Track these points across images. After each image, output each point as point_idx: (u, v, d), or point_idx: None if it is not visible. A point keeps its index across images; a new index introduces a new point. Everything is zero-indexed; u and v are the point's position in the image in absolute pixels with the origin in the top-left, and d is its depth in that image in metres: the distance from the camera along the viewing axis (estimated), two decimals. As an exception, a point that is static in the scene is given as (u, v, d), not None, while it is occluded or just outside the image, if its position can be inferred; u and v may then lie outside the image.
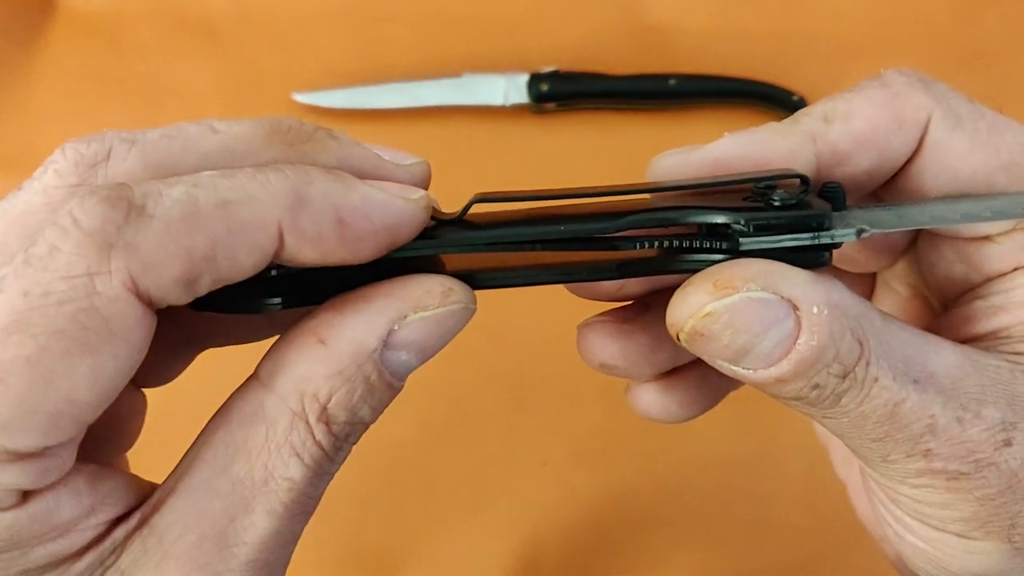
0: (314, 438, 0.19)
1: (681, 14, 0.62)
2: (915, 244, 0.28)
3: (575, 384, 0.53)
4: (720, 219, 0.22)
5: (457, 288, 0.21)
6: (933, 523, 0.24)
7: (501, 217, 0.23)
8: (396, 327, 0.20)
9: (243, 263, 0.19)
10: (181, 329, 0.26)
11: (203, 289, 0.18)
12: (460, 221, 0.22)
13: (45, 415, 0.17)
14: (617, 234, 0.22)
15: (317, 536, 0.49)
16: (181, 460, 0.20)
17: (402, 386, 0.21)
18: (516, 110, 0.59)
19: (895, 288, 0.30)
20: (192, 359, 0.28)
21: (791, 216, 0.21)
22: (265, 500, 0.19)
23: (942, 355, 0.22)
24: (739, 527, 0.50)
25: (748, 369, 0.21)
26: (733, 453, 0.51)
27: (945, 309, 0.28)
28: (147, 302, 0.18)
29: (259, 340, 0.25)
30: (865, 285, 0.31)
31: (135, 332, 0.18)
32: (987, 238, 0.25)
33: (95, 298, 0.17)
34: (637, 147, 0.50)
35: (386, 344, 0.20)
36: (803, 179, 0.22)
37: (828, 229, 0.22)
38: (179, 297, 0.18)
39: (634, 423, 0.53)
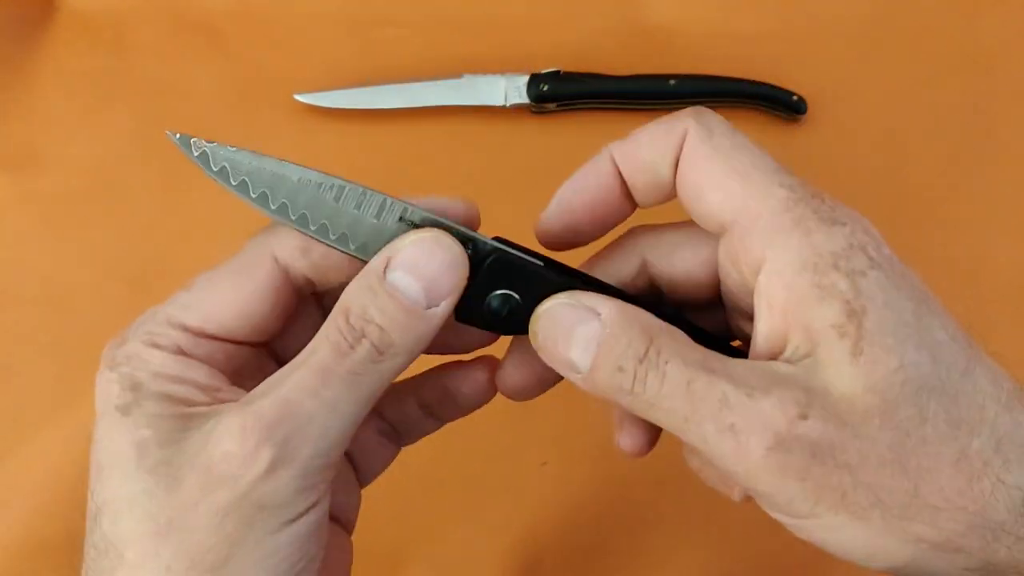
0: (336, 325, 0.27)
1: (681, 15, 0.62)
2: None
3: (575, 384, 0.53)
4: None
5: (439, 229, 0.28)
6: (784, 509, 0.25)
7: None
8: (392, 255, 0.28)
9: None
10: (383, 424, 0.36)
11: (316, 255, 0.29)
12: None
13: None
14: None
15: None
16: None
17: (415, 307, 0.27)
18: (516, 110, 0.59)
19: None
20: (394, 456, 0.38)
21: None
22: (303, 362, 0.27)
23: (735, 362, 0.26)
24: (740, 527, 0.50)
25: (578, 374, 0.28)
26: (733, 453, 0.51)
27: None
28: (281, 266, 0.29)
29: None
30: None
31: (265, 270, 0.29)
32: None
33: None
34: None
35: (388, 266, 0.27)
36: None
37: None
38: (298, 259, 0.29)
39: (634, 423, 0.53)
